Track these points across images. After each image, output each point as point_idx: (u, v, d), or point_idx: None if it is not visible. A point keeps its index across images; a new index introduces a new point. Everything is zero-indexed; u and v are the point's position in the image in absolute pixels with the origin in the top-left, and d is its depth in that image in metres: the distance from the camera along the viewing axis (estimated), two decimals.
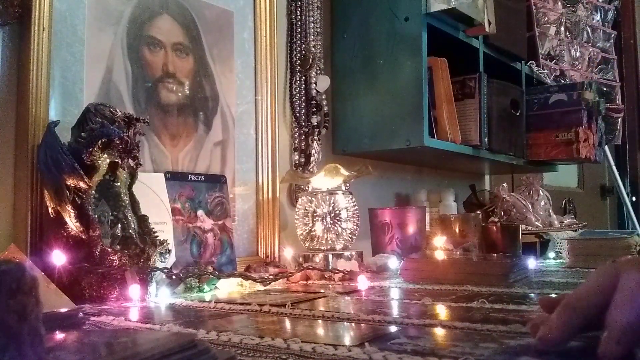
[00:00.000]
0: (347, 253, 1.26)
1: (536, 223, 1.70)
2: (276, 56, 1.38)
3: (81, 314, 0.69)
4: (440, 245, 1.41)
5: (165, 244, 0.94)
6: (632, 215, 2.96)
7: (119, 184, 0.92)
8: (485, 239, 1.50)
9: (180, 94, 1.19)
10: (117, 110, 0.92)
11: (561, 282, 1.02)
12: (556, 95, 1.93)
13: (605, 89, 2.46)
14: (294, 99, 1.44)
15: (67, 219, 0.85)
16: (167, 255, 0.95)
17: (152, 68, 1.14)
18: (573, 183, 3.31)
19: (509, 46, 1.80)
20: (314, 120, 1.47)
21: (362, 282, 1.01)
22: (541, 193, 1.86)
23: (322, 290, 0.96)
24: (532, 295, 0.87)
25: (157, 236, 0.94)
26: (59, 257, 0.83)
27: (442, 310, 0.75)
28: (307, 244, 1.30)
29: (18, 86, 0.94)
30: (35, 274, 0.33)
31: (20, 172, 0.93)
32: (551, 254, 1.58)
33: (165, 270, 0.92)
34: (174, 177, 1.11)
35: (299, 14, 1.46)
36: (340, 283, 1.07)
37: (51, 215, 0.87)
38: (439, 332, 0.60)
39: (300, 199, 1.33)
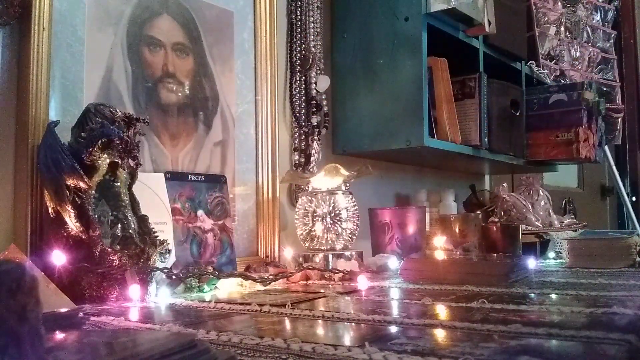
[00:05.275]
0: (347, 253, 1.26)
1: (536, 223, 1.70)
2: (276, 56, 1.38)
3: (81, 314, 0.69)
4: (440, 245, 1.41)
5: (165, 244, 0.94)
6: (632, 215, 2.96)
7: (119, 184, 0.92)
8: (485, 239, 1.50)
9: (180, 94, 1.19)
10: (117, 110, 0.92)
11: (561, 282, 1.02)
12: (556, 95, 1.93)
13: (605, 89, 2.46)
14: (294, 99, 1.44)
15: (67, 219, 0.85)
16: (167, 255, 0.95)
17: (152, 68, 1.14)
18: (573, 183, 3.31)
19: (509, 46, 1.80)
20: (314, 120, 1.47)
21: (362, 282, 1.00)
22: (541, 193, 1.86)
23: (322, 290, 0.96)
24: (532, 295, 0.87)
25: (157, 236, 0.94)
26: (59, 257, 0.83)
27: (442, 311, 0.75)
28: (307, 244, 1.30)
29: (18, 86, 0.94)
30: (35, 274, 0.33)
31: (20, 172, 0.93)
32: (551, 254, 1.58)
33: (165, 270, 0.92)
34: (174, 177, 1.11)
35: (299, 14, 1.46)
36: (340, 283, 1.07)
37: (51, 215, 0.87)
38: (439, 332, 0.60)
39: (300, 199, 1.33)
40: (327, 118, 1.50)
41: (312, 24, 1.48)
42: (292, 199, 1.45)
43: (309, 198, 1.30)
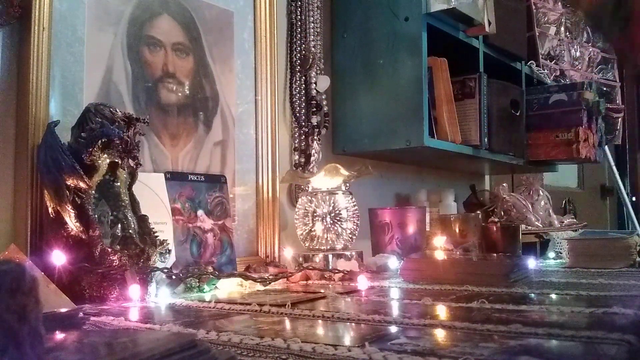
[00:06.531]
0: (347, 253, 1.26)
1: (536, 223, 1.70)
2: (276, 56, 1.38)
3: (81, 314, 0.69)
4: (440, 245, 1.41)
5: (165, 244, 0.94)
6: (632, 215, 2.96)
7: (119, 184, 0.92)
8: (485, 239, 1.50)
9: (180, 94, 1.19)
10: (117, 110, 0.92)
11: (561, 282, 1.02)
12: (556, 95, 1.93)
13: (605, 89, 2.46)
14: (294, 99, 1.44)
15: (67, 219, 0.85)
16: (167, 255, 0.95)
17: (152, 68, 1.14)
18: (573, 183, 3.31)
19: (509, 46, 1.80)
20: (314, 120, 1.47)
21: (362, 282, 1.00)
22: (541, 193, 1.86)
23: (322, 290, 0.96)
24: (532, 295, 0.87)
25: (157, 236, 0.94)
26: (59, 257, 0.83)
27: (442, 310, 0.75)
28: (307, 244, 1.30)
29: (18, 86, 0.94)
30: (35, 274, 0.33)
31: (20, 172, 0.93)
32: (551, 254, 1.58)
33: (165, 270, 0.92)
34: (174, 177, 1.11)
35: (299, 14, 1.46)
36: (340, 283, 1.07)
37: (51, 215, 0.87)
38: (439, 332, 0.60)
39: (300, 199, 1.33)
40: (327, 118, 1.50)
41: (312, 24, 1.48)
42: (292, 199, 1.45)
43: (309, 198, 1.30)
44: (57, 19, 0.98)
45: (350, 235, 1.29)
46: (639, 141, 3.37)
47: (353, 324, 0.66)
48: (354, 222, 1.30)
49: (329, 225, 1.27)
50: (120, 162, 0.91)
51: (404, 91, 1.46)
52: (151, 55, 1.14)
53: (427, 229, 1.56)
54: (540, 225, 1.71)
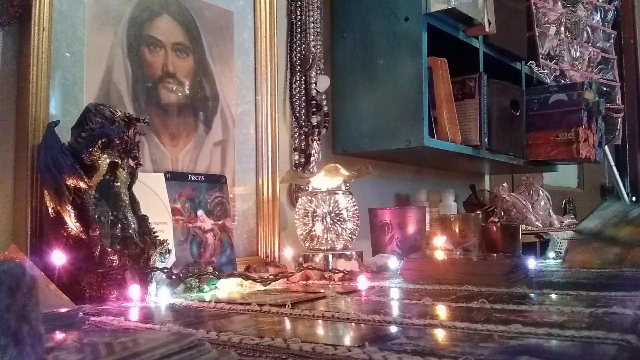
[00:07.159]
0: (347, 253, 1.26)
1: (536, 223, 1.70)
2: (276, 56, 1.38)
3: (81, 314, 0.69)
4: (440, 245, 1.41)
5: (165, 244, 0.94)
6: None
7: (119, 184, 0.92)
8: (485, 239, 1.50)
9: (180, 94, 1.19)
10: (117, 110, 0.92)
11: (561, 282, 1.02)
12: (556, 95, 1.93)
13: (605, 89, 2.46)
14: (294, 99, 1.44)
15: (67, 219, 0.85)
16: (167, 255, 0.95)
17: (152, 68, 1.14)
18: (573, 183, 3.31)
19: (509, 46, 1.80)
20: (314, 120, 1.47)
21: (362, 282, 1.01)
22: (541, 193, 1.86)
23: (322, 290, 0.96)
24: (532, 295, 0.87)
25: (157, 236, 0.94)
26: (59, 257, 0.83)
27: (442, 311, 0.75)
28: (307, 244, 1.30)
29: (18, 86, 0.94)
30: (35, 274, 0.33)
31: (20, 172, 0.93)
32: (551, 254, 1.58)
33: (165, 270, 0.92)
34: (174, 177, 1.11)
35: (299, 14, 1.46)
36: (340, 283, 1.07)
37: (51, 215, 0.87)
38: (439, 332, 0.60)
39: (300, 199, 1.33)
40: (327, 118, 1.50)
41: (312, 24, 1.48)
42: (292, 199, 1.45)
43: (309, 198, 1.30)
44: (57, 19, 0.98)
45: (350, 235, 1.29)
46: (639, 141, 3.36)
47: (353, 324, 0.66)
48: (354, 222, 1.30)
49: (329, 225, 1.27)
50: (120, 162, 0.91)
51: (403, 91, 1.46)
52: (151, 55, 1.14)
53: (427, 229, 1.56)
54: (540, 225, 1.71)
